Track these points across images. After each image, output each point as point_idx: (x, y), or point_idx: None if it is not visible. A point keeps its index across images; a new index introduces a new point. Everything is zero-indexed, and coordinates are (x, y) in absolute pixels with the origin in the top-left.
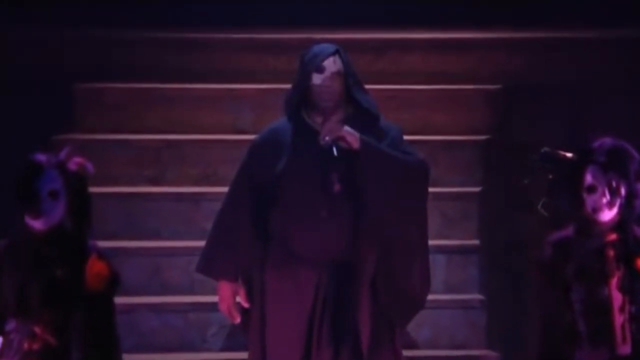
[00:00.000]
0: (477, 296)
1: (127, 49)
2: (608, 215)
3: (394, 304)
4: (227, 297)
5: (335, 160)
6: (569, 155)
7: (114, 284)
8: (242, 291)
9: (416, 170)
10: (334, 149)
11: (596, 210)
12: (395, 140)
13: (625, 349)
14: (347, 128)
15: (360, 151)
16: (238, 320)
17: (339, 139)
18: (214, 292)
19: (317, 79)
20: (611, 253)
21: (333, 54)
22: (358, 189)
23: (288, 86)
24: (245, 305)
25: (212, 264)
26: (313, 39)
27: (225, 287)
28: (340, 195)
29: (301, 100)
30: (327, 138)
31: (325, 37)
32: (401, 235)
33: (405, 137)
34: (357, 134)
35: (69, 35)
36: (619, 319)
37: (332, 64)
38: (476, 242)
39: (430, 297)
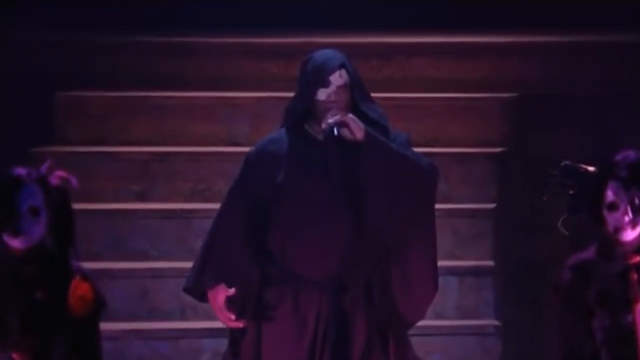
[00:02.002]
0: (492, 322)
1: (112, 54)
2: (631, 235)
3: (391, 314)
4: (222, 304)
5: (336, 152)
6: (591, 169)
7: (99, 308)
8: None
9: (423, 170)
10: (335, 130)
11: (618, 229)
12: (402, 144)
13: None
14: (352, 117)
15: (364, 142)
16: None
17: (343, 125)
18: (206, 317)
19: (322, 94)
20: (635, 277)
21: (339, 67)
22: (360, 194)
23: (286, 94)
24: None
25: (200, 279)
26: (313, 44)
27: (218, 294)
28: (342, 207)
29: (304, 112)
30: (330, 121)
31: (326, 42)
32: (402, 242)
33: (414, 149)
34: (362, 125)
35: (47, 39)
36: None
37: (337, 78)
38: (490, 263)
39: (441, 322)
